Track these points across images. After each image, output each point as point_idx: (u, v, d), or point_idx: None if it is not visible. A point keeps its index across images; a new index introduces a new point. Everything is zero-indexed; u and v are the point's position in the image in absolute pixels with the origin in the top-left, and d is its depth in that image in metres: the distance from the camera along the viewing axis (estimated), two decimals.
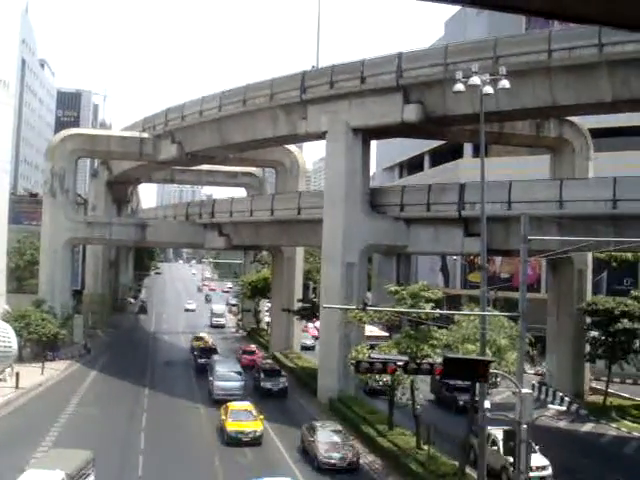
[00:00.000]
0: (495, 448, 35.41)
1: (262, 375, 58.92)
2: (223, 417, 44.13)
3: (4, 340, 56.69)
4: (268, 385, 57.38)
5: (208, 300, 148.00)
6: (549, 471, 34.94)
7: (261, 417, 44.51)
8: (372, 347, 42.81)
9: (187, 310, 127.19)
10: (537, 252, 39.03)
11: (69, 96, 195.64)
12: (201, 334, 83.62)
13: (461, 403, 48.88)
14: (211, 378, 55.75)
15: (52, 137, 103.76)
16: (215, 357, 62.93)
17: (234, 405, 45.83)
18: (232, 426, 42.64)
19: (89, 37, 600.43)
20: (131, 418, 48.15)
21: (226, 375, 55.06)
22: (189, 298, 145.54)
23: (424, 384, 46.17)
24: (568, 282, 57.66)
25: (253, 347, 78.60)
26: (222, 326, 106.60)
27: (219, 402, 49.99)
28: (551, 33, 43.52)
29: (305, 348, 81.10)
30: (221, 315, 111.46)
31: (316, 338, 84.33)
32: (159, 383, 61.18)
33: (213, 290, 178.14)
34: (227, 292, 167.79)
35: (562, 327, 57.66)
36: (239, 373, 56.07)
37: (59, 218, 75.10)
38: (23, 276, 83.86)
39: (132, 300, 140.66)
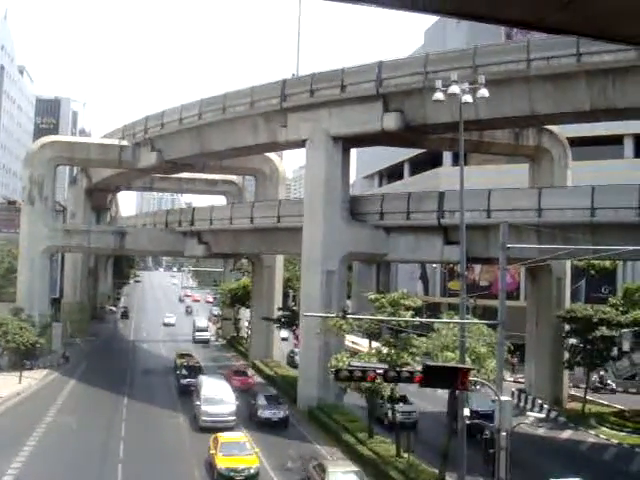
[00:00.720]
0: None
1: (259, 401, 51.20)
2: (212, 451, 38.88)
3: None
4: (266, 414, 49.66)
5: (189, 312, 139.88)
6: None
7: (256, 450, 40.17)
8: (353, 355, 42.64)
9: (166, 325, 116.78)
10: (516, 260, 39.28)
11: (48, 103, 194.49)
12: (185, 351, 76.92)
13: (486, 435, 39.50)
14: (197, 402, 49.30)
15: (31, 144, 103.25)
16: (201, 377, 55.55)
17: (225, 437, 40.68)
18: (223, 462, 37.37)
19: (68, 44, 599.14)
20: (110, 427, 47.87)
21: (215, 398, 48.77)
22: (169, 310, 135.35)
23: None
24: (547, 290, 57.96)
25: (243, 366, 72.29)
26: (206, 341, 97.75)
27: (206, 430, 45.17)
28: (530, 42, 43.77)
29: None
30: (205, 329, 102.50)
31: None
32: (138, 392, 60.82)
33: (197, 301, 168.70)
34: (211, 302, 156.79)
35: (541, 335, 57.93)
36: (230, 395, 50.01)
37: (37, 226, 74.63)
38: (1, 284, 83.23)
39: (113, 308, 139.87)
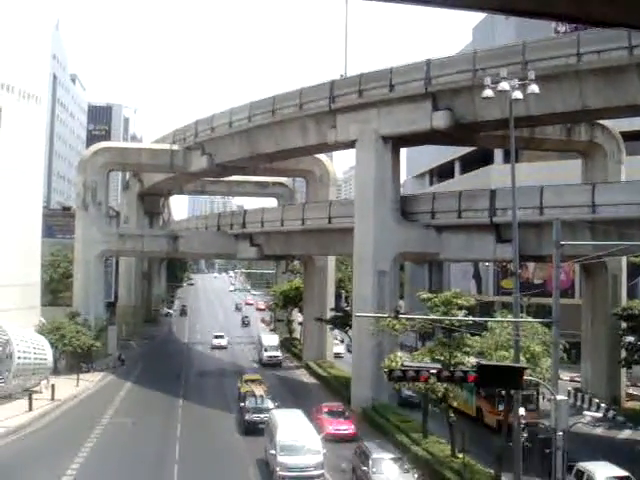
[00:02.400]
0: None
1: (378, 469, 35.90)
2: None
3: (39, 352, 57.32)
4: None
5: (246, 324, 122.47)
6: None
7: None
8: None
9: (215, 347, 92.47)
10: (570, 257, 38.70)
11: (100, 110, 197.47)
12: (253, 375, 62.08)
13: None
14: (272, 451, 37.76)
15: (84, 151, 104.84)
16: (275, 412, 43.26)
17: None
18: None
19: (119, 51, 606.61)
20: (165, 428, 48.36)
21: (295, 445, 37.49)
22: (221, 323, 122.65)
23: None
24: (602, 287, 57.10)
25: (341, 406, 50.71)
26: (278, 364, 78.99)
27: None
28: (580, 36, 43.20)
29: (336, 356, 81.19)
30: (276, 348, 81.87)
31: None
32: (193, 394, 61.35)
33: (261, 309, 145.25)
34: (263, 310, 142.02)
35: (597, 333, 57.11)
36: (315, 441, 38.00)
37: (92, 231, 75.72)
38: (57, 289, 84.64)
39: (170, 311, 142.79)
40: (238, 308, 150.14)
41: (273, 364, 78.20)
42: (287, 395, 60.15)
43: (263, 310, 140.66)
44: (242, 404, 50.92)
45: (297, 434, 38.34)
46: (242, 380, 58.86)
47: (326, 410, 48.63)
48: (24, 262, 68.29)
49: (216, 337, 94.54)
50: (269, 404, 48.70)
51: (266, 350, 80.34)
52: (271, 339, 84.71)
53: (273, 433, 38.56)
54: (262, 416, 45.74)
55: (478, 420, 49.27)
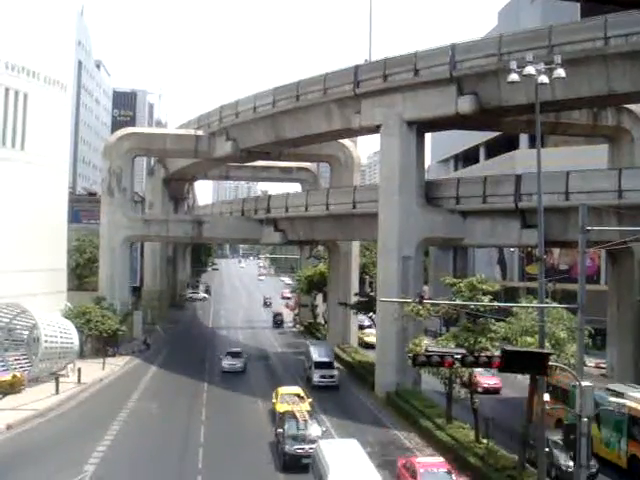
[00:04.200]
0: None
1: None
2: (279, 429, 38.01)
3: (66, 336, 57.87)
4: None
5: (278, 323, 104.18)
6: None
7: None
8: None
9: (227, 372, 64.58)
10: (596, 243, 38.42)
11: (125, 96, 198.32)
12: (292, 388, 49.00)
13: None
14: None
15: (109, 136, 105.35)
16: (323, 445, 33.44)
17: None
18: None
19: (143, 37, 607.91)
20: (190, 412, 48.70)
21: None
22: (242, 312, 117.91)
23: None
24: (628, 273, 56.67)
25: (444, 463, 34.16)
26: (335, 387, 58.38)
27: None
28: (607, 20, 42.71)
29: (367, 346, 76.93)
30: (331, 365, 61.23)
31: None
32: (218, 378, 61.68)
33: (287, 298, 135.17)
34: (288, 298, 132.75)
35: (623, 319, 56.77)
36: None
37: (117, 216, 76.21)
38: (83, 274, 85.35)
39: (198, 295, 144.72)
40: (267, 304, 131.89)
41: (327, 387, 57.83)
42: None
43: (289, 299, 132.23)
44: (279, 429, 39.42)
45: (354, 474, 29.92)
46: (277, 394, 47.34)
47: (422, 469, 32.71)
48: (50, 247, 68.89)
49: (230, 355, 66.66)
50: (315, 431, 38.83)
51: (317, 367, 59.85)
52: (323, 351, 62.35)
53: (324, 471, 30.40)
54: (307, 448, 36.30)
55: (632, 473, 36.42)
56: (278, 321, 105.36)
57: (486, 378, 54.97)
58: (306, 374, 61.52)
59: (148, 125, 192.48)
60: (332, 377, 59.28)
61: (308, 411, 41.19)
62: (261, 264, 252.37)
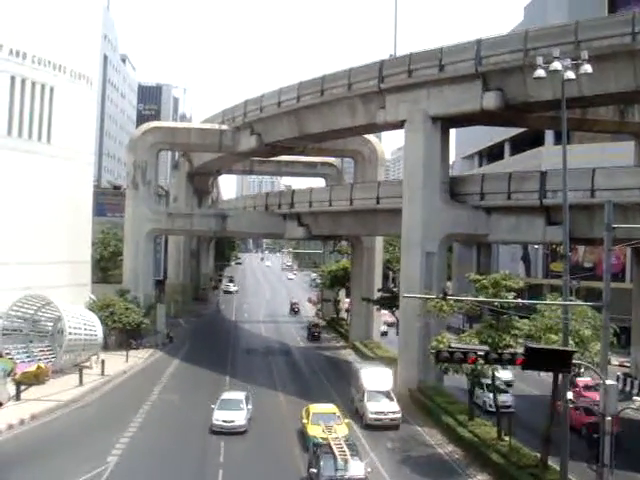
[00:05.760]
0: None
1: None
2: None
3: (90, 329, 58.25)
4: None
5: (315, 336, 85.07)
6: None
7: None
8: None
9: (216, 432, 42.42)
10: (622, 240, 38.11)
11: (150, 90, 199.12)
12: (325, 407, 42.26)
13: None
14: None
15: (134, 130, 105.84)
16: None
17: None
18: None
19: (169, 31, 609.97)
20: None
21: None
22: (263, 309, 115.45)
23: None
24: None
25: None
26: (396, 427, 44.04)
27: None
28: (635, 15, 42.31)
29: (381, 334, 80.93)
30: (388, 394, 46.31)
31: (389, 325, 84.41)
32: (240, 372, 61.84)
33: (312, 303, 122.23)
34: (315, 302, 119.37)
35: None
36: None
37: (141, 210, 76.58)
38: (107, 266, 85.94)
39: (227, 287, 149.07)
40: (294, 310, 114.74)
41: (387, 427, 44.01)
42: (334, 376, 60.50)
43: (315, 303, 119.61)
44: (312, 469, 32.15)
45: None
46: (308, 413, 40.97)
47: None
48: (75, 240, 69.43)
49: (224, 403, 43.57)
50: (358, 469, 31.76)
51: (372, 400, 45.50)
52: (379, 378, 47.95)
53: None
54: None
55: None
56: (295, 309, 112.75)
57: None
58: (354, 406, 47.79)
59: (173, 119, 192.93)
60: (394, 414, 44.51)
61: (347, 442, 33.97)
62: (286, 261, 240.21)
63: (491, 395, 42.65)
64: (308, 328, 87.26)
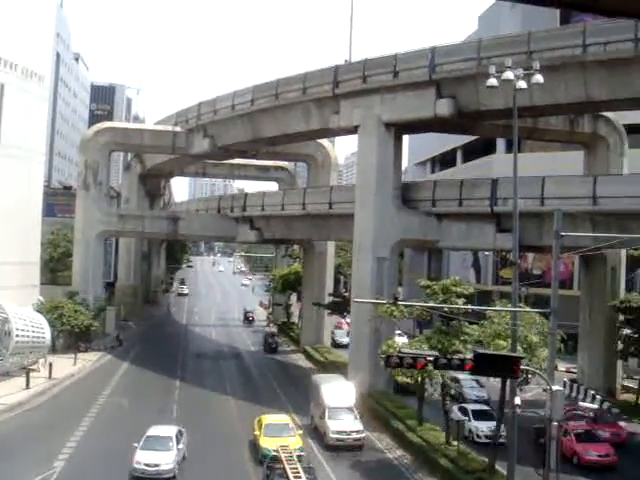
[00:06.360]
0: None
1: None
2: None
3: (38, 331, 57.43)
4: None
5: (272, 347, 77.84)
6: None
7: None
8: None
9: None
10: (570, 248, 38.74)
11: (103, 90, 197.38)
12: (278, 417, 41.57)
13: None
14: None
15: (86, 130, 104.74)
16: None
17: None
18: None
19: (123, 32, 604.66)
20: (162, 409, 48.52)
21: None
22: (216, 309, 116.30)
23: None
24: (601, 279, 57.09)
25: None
26: (359, 447, 41.24)
27: None
28: (586, 27, 43.05)
29: (339, 345, 76.44)
30: (351, 410, 43.29)
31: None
32: (190, 375, 61.50)
33: (263, 307, 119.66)
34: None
35: (594, 324, 57.13)
36: None
37: (92, 211, 75.76)
38: (57, 268, 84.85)
39: (180, 289, 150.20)
40: (248, 319, 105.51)
41: (350, 448, 40.99)
42: (285, 381, 60.48)
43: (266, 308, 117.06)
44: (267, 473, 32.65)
45: None
46: (259, 424, 39.91)
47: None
48: (24, 241, 68.49)
49: (149, 442, 36.37)
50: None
51: (334, 417, 42.37)
52: (342, 393, 45.06)
53: None
54: None
55: None
56: (249, 318, 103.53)
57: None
58: (313, 423, 45.01)
59: (126, 120, 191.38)
60: (358, 433, 41.45)
61: (301, 461, 33.54)
62: (238, 265, 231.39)
63: (478, 424, 41.90)
64: (264, 339, 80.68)
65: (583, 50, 42.60)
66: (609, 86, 42.80)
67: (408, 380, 42.11)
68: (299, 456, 34.11)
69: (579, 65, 42.98)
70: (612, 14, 8.00)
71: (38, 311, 63.14)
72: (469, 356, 28.30)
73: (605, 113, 57.61)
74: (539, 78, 32.24)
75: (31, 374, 52.68)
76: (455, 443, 37.27)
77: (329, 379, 48.41)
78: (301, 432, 40.31)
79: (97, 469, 35.61)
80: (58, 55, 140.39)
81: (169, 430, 37.84)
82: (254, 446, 39.15)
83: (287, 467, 31.67)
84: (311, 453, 39.01)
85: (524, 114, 45.63)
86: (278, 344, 79.33)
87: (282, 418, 41.12)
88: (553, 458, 26.65)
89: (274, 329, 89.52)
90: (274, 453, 34.38)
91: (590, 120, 58.73)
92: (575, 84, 43.54)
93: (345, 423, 41.82)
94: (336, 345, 77.47)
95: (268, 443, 36.79)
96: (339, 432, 41.06)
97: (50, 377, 55.00)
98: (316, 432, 43.33)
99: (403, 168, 72.36)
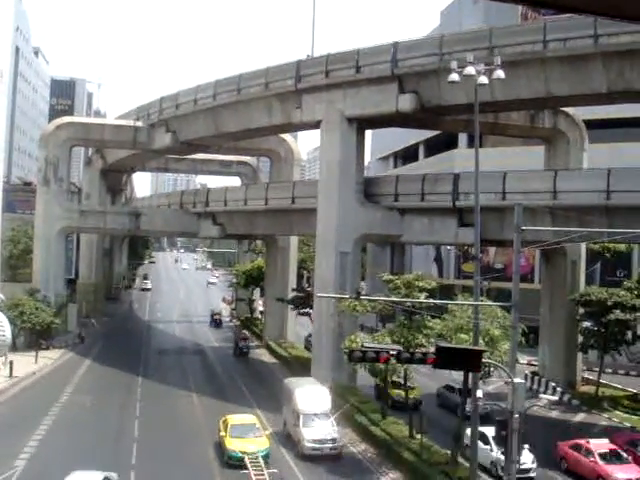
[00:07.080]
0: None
1: None
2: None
3: None
4: None
5: (242, 351, 72.68)
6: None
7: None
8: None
9: None
10: (531, 243, 39.11)
11: (63, 84, 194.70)
12: (244, 418, 40.52)
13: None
14: None
15: (46, 125, 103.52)
16: None
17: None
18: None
19: (83, 25, 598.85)
20: (125, 407, 48.22)
21: None
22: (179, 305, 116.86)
23: None
24: (561, 273, 57.73)
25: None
26: (338, 456, 38.87)
27: None
28: (546, 24, 43.46)
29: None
30: (326, 415, 40.52)
31: None
32: (153, 372, 61.19)
33: (227, 303, 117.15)
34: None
35: (555, 317, 57.76)
36: None
37: (53, 207, 74.98)
38: (17, 265, 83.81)
39: (144, 284, 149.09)
40: (216, 322, 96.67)
41: (327, 458, 38.40)
42: (249, 377, 60.39)
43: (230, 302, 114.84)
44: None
45: None
46: (225, 425, 38.79)
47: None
48: None
49: None
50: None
51: (308, 425, 39.61)
52: (316, 398, 41.85)
53: None
54: None
55: None
56: (217, 320, 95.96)
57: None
58: (286, 430, 42.44)
59: (87, 115, 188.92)
60: (334, 442, 38.84)
61: (267, 466, 33.76)
62: (201, 261, 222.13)
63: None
64: (235, 341, 75.35)
65: (544, 46, 42.99)
66: (569, 82, 43.24)
67: (403, 394, 42.46)
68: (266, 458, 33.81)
69: (539, 61, 43.37)
70: (571, 10, 8.05)
71: None
72: (432, 350, 28.48)
73: (565, 108, 58.21)
74: (500, 73, 32.45)
75: None
76: (418, 436, 37.47)
77: (302, 383, 45.14)
78: (269, 432, 39.55)
79: (59, 467, 35.20)
80: (17, 49, 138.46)
81: (95, 476, 29.90)
82: (219, 447, 38.61)
83: (253, 474, 32.02)
84: (283, 460, 38.07)
85: (486, 109, 45.95)
86: (250, 348, 73.71)
87: (248, 419, 39.91)
88: (514, 450, 26.88)
89: (245, 331, 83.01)
90: (240, 454, 34.40)
91: (550, 115, 59.31)
92: (536, 79, 43.94)
93: (321, 431, 38.98)
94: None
95: (234, 445, 36.15)
96: (314, 441, 38.43)
97: (11, 375, 54.41)
98: (289, 440, 40.85)
99: (366, 163, 72.45)
